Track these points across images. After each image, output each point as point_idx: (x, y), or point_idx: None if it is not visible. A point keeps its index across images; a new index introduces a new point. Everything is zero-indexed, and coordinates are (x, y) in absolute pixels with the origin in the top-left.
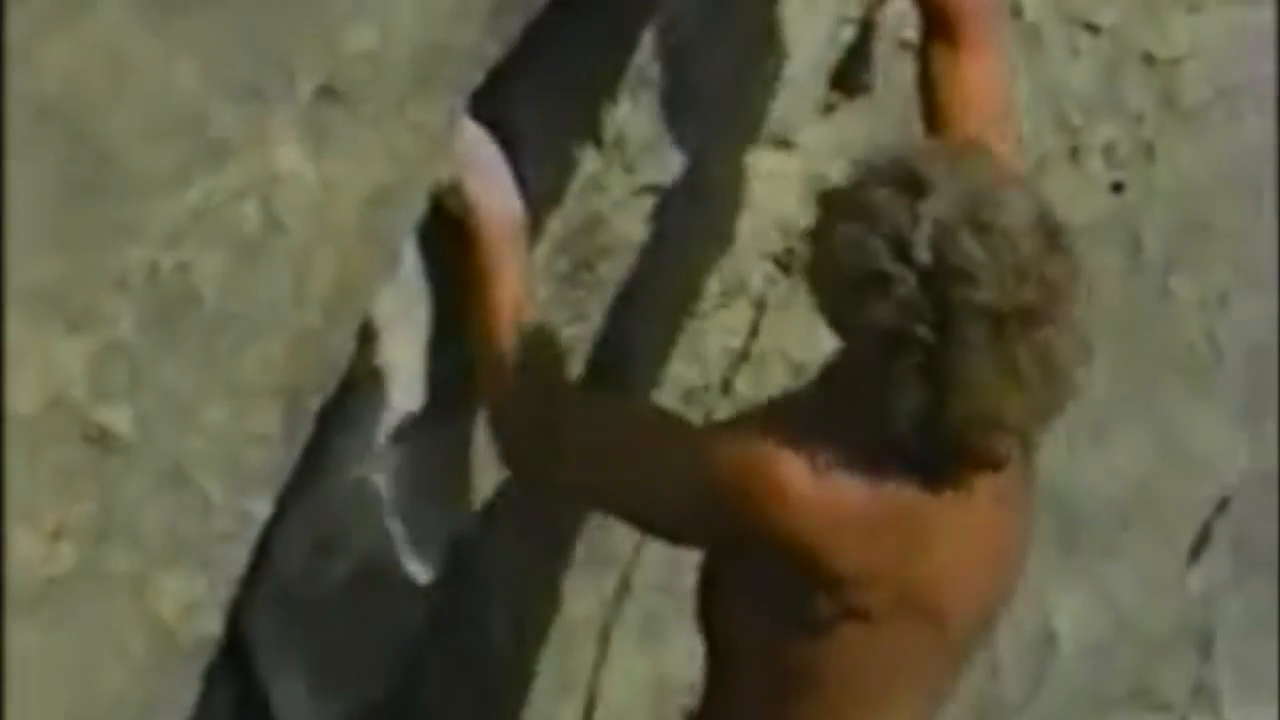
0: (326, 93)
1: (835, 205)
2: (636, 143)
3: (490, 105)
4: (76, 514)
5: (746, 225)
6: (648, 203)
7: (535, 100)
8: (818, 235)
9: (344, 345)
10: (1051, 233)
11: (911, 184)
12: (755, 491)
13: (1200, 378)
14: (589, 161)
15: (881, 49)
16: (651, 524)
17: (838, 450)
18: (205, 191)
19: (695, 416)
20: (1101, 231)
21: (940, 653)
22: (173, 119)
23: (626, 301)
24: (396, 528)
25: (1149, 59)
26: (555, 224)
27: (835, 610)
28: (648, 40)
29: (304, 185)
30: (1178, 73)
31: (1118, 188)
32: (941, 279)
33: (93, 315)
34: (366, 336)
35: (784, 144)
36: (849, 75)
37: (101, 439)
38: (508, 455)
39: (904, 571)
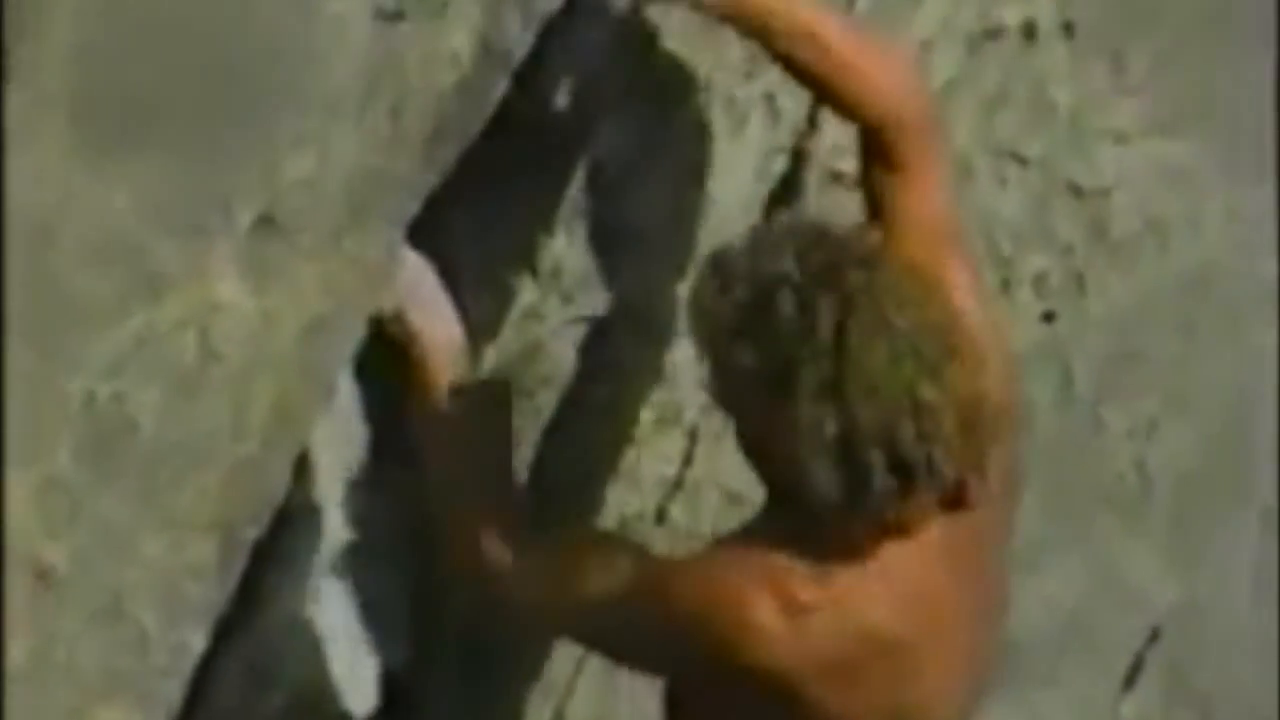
0: (265, 223)
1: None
2: (573, 273)
3: (428, 236)
4: (15, 651)
5: (681, 354)
6: (584, 332)
7: (473, 231)
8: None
9: (281, 476)
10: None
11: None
12: (725, 628)
13: (1131, 508)
14: (526, 292)
15: (813, 180)
16: (620, 656)
17: (804, 576)
18: (143, 323)
19: None
20: (1033, 362)
21: None
22: (112, 251)
23: (564, 430)
24: (333, 660)
25: (1077, 190)
26: (493, 353)
27: None
28: (582, 172)
29: (242, 316)
30: (1106, 204)
31: (1048, 318)
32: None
33: (33, 448)
34: (303, 468)
35: None
36: (782, 206)
37: (42, 574)
38: (470, 578)
39: (893, 699)
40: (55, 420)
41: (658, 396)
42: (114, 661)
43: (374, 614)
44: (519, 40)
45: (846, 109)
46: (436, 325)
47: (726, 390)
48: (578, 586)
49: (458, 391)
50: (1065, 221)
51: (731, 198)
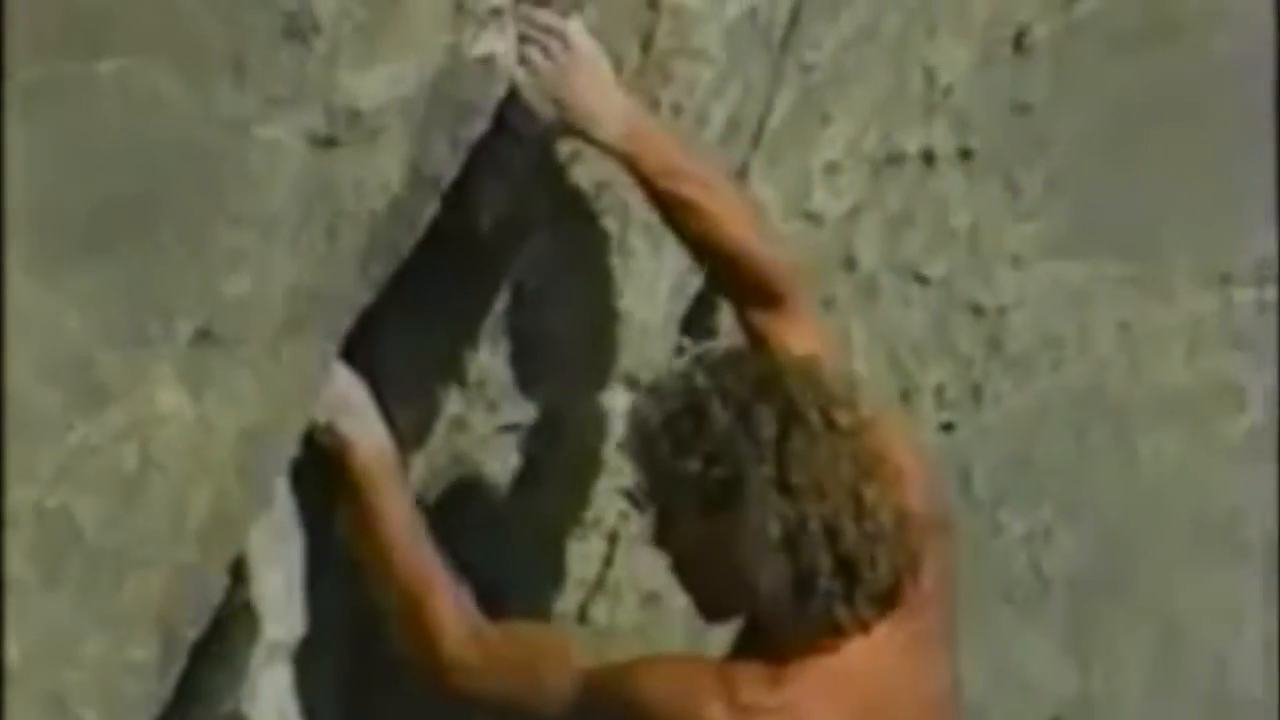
0: (204, 336)
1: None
2: (497, 384)
3: (361, 348)
4: None
5: (602, 460)
6: (509, 441)
7: (403, 344)
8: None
9: (218, 579)
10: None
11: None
12: None
13: (1028, 606)
14: (453, 403)
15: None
16: None
17: (754, 679)
18: (86, 433)
19: None
20: None
21: None
22: (61, 364)
23: (490, 535)
24: None
25: (976, 309)
26: (421, 462)
27: None
28: (507, 287)
29: (182, 425)
30: (1003, 321)
31: (948, 427)
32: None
33: None
34: (240, 570)
35: (636, 386)
36: (698, 321)
37: None
38: (422, 672)
39: None
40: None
41: (578, 500)
42: None
43: (307, 709)
44: (447, 164)
45: (731, 252)
46: (366, 434)
47: (669, 511)
48: (533, 680)
49: (389, 496)
50: (965, 337)
51: (649, 313)
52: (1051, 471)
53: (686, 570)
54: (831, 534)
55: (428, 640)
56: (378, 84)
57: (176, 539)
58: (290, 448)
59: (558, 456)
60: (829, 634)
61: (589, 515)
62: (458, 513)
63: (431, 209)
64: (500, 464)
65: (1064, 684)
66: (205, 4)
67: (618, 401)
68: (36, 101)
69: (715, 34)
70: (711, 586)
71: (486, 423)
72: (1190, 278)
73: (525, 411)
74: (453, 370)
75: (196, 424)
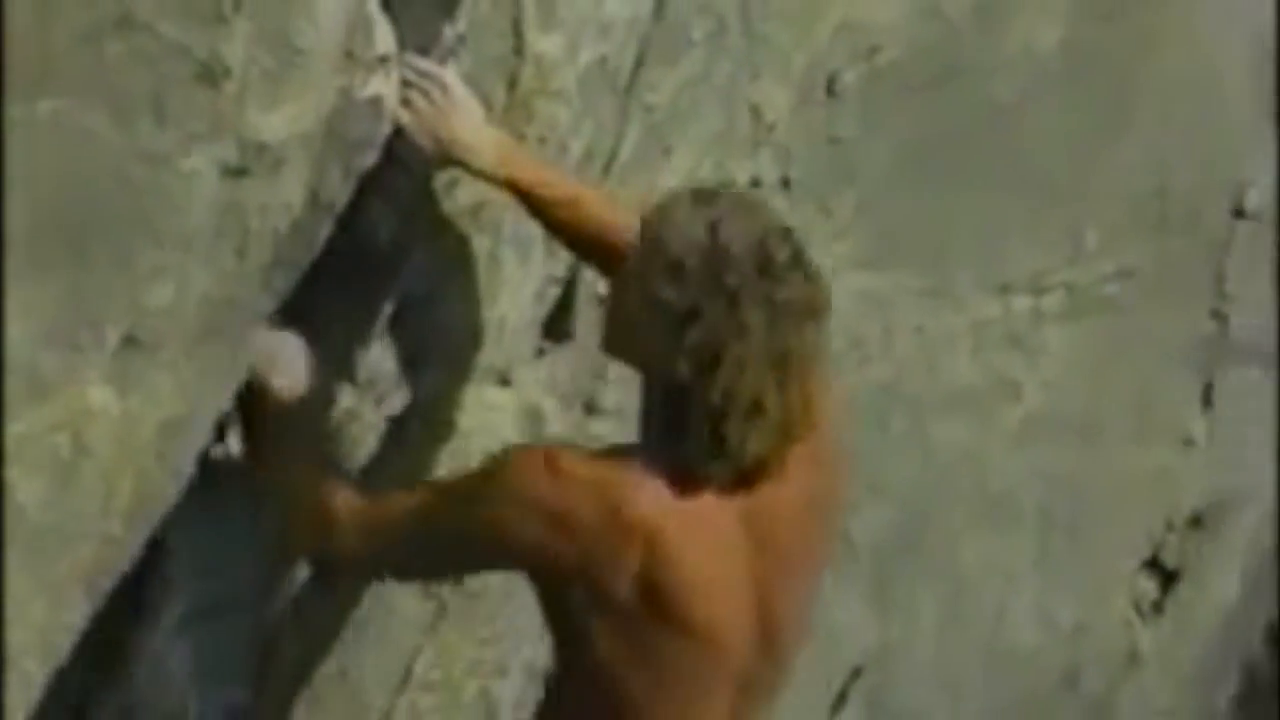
0: (130, 341)
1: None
2: (386, 380)
3: None
4: None
5: (476, 446)
6: (395, 428)
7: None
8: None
9: (141, 551)
10: (801, 253)
11: (703, 201)
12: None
13: (838, 568)
14: (346, 397)
15: (582, 301)
16: (462, 562)
17: (666, 483)
18: (28, 424)
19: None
20: None
21: (768, 663)
22: (5, 364)
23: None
24: (189, 702)
25: None
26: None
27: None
28: (394, 296)
29: (110, 419)
30: None
31: None
32: (729, 275)
33: None
34: (161, 543)
35: (505, 381)
36: (556, 325)
37: None
38: (313, 548)
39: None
40: None
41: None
42: (11, 700)
43: (222, 661)
44: (341, 190)
45: (599, 230)
46: (282, 369)
47: (632, 299)
48: (412, 518)
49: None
50: None
51: (516, 317)
52: (859, 454)
53: (616, 323)
54: (740, 400)
55: (322, 523)
56: (281, 121)
57: (105, 516)
58: (204, 438)
59: (436, 440)
60: (691, 477)
61: None
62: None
63: (328, 229)
64: (386, 447)
65: (867, 634)
66: (130, 53)
67: (488, 394)
68: None
69: (571, 78)
70: (627, 345)
71: (375, 413)
72: (975, 288)
73: (409, 403)
74: (346, 369)
75: (122, 418)
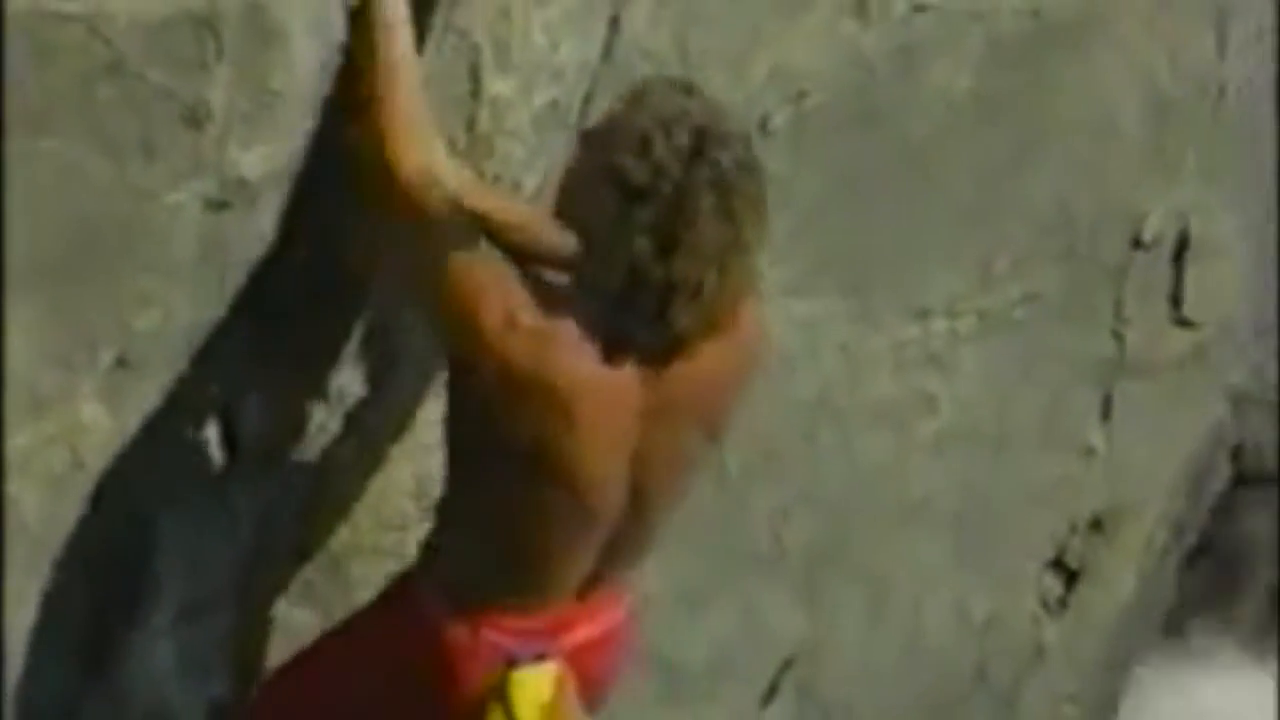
0: (121, 363)
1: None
2: (353, 397)
3: (247, 370)
4: None
5: (438, 460)
6: (361, 438)
7: (280, 366)
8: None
9: (134, 555)
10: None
11: (679, 89)
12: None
13: (771, 569)
14: (319, 412)
15: None
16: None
17: (600, 347)
18: (29, 437)
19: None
20: None
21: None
22: (9, 381)
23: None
24: (172, 695)
25: None
26: (294, 456)
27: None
28: (362, 321)
29: (102, 433)
30: None
31: None
32: (693, 160)
33: None
34: (150, 548)
35: None
36: None
37: None
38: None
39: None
40: None
41: (412, 479)
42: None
43: (204, 657)
44: (312, 221)
45: (552, 267)
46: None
47: (593, 166)
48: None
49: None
50: None
51: None
52: (789, 463)
53: (570, 187)
54: (671, 279)
55: (376, 139)
56: (258, 159)
57: (97, 523)
58: (189, 450)
59: (399, 449)
60: (615, 338)
61: (426, 490)
62: (320, 489)
63: (302, 258)
64: (351, 454)
65: (797, 629)
66: (122, 97)
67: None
68: None
69: (525, 118)
70: (570, 218)
71: (346, 426)
72: (896, 311)
73: (375, 416)
74: (319, 387)
75: (114, 432)
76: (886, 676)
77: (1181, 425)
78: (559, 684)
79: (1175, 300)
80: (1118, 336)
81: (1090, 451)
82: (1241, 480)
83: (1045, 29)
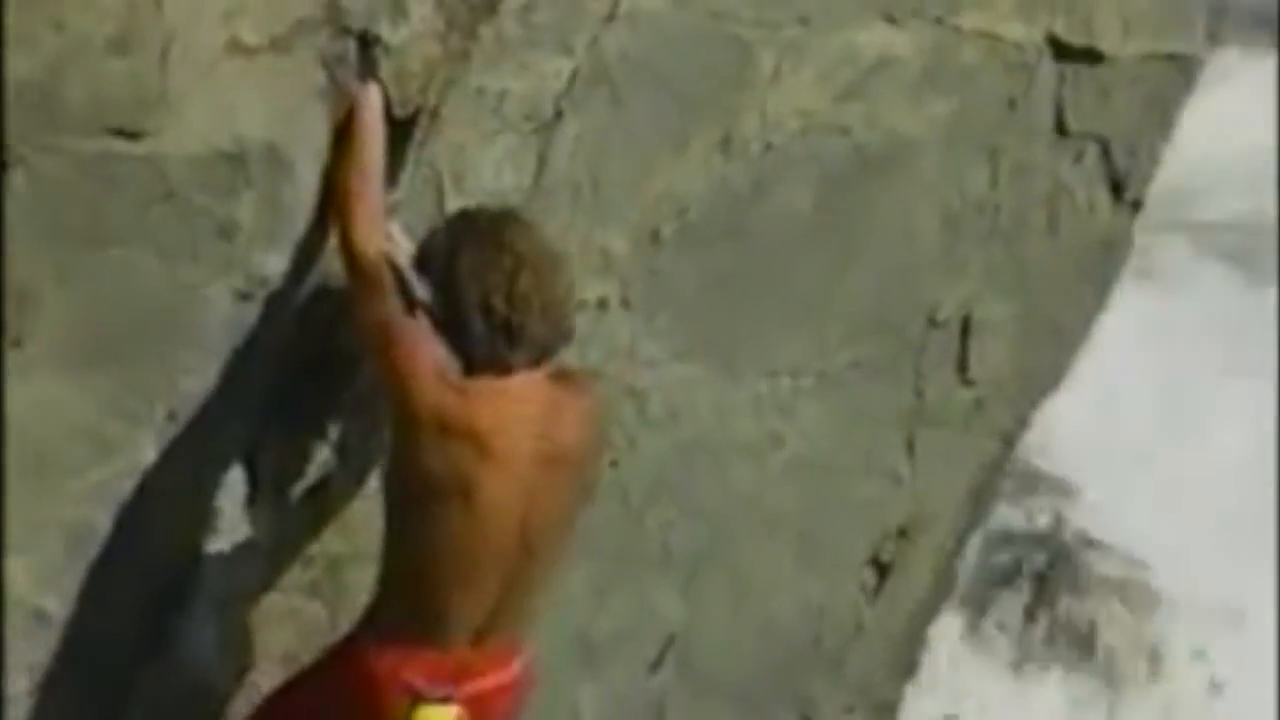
0: (171, 417)
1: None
2: (354, 446)
3: (265, 424)
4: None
5: None
6: (349, 471)
7: (292, 419)
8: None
9: (185, 570)
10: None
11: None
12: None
13: (660, 568)
14: (323, 455)
15: None
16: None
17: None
18: (102, 473)
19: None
20: (603, 489)
21: (519, 544)
22: (81, 429)
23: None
24: (213, 669)
25: (632, 391)
26: (299, 488)
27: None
28: (352, 390)
29: (156, 469)
30: (646, 399)
31: (614, 463)
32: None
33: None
34: (194, 569)
35: None
36: None
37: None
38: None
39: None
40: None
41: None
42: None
43: (237, 642)
44: (317, 311)
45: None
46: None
47: (440, 278)
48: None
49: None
50: (624, 409)
51: None
52: (675, 488)
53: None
54: (506, 323)
55: (344, 225)
56: (277, 260)
57: (156, 538)
58: (224, 484)
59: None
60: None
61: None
62: (323, 510)
63: (314, 341)
64: (348, 483)
65: (679, 613)
66: (173, 216)
67: None
68: (71, 273)
69: None
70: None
71: (342, 463)
72: (754, 372)
73: (364, 456)
74: (322, 433)
75: (165, 469)
76: (746, 650)
77: (966, 459)
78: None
79: (961, 366)
80: (919, 393)
81: (898, 479)
82: None
83: (865, 163)
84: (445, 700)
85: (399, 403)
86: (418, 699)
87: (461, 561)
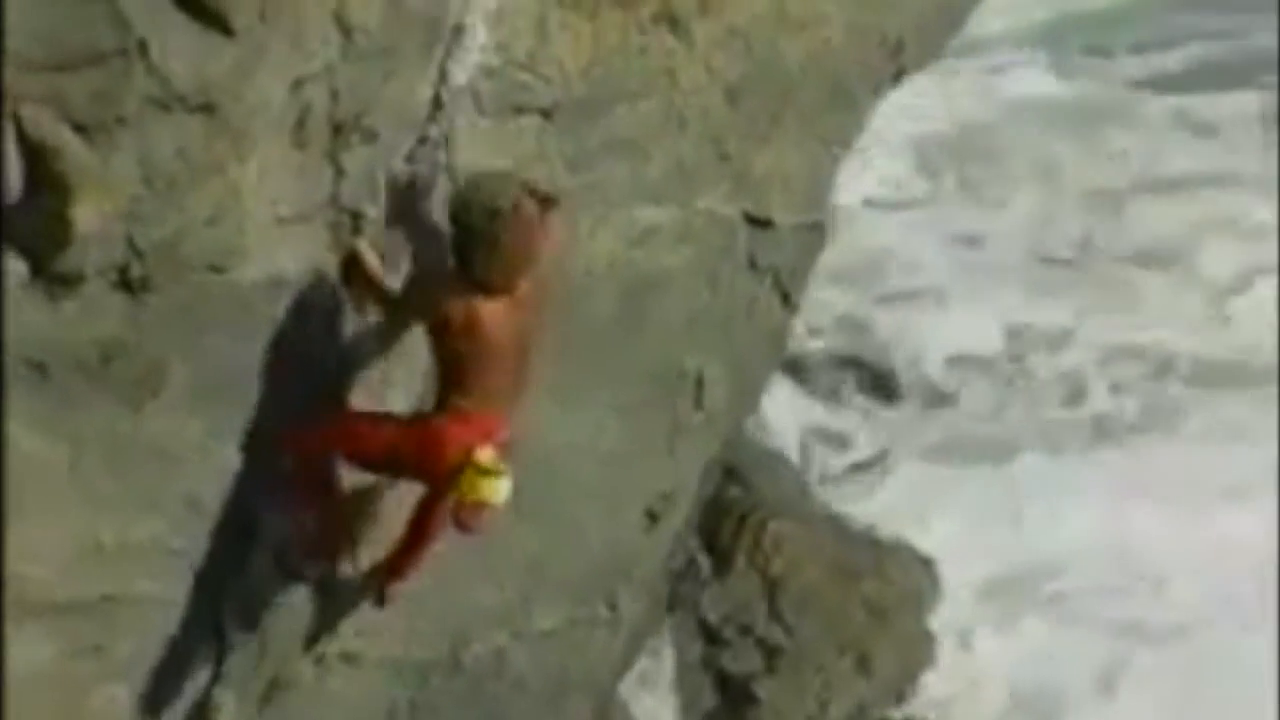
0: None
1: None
2: None
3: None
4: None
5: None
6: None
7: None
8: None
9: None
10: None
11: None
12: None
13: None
14: None
15: None
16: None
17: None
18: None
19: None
20: None
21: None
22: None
23: None
24: (269, 592)
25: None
26: None
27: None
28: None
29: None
30: None
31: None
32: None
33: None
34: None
35: None
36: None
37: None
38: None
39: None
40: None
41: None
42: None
43: (288, 577)
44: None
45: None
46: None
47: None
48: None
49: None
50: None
51: None
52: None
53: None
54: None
55: (373, 293)
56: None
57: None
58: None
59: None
60: (490, 288)
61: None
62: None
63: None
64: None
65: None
66: (243, 313)
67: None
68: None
69: None
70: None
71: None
72: (587, 403)
73: None
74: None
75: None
76: (575, 563)
77: (700, 455)
78: (495, 458)
79: (698, 402)
80: (675, 416)
81: (665, 465)
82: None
83: (644, 284)
84: (496, 473)
85: (434, 329)
86: (470, 447)
87: (490, 370)
